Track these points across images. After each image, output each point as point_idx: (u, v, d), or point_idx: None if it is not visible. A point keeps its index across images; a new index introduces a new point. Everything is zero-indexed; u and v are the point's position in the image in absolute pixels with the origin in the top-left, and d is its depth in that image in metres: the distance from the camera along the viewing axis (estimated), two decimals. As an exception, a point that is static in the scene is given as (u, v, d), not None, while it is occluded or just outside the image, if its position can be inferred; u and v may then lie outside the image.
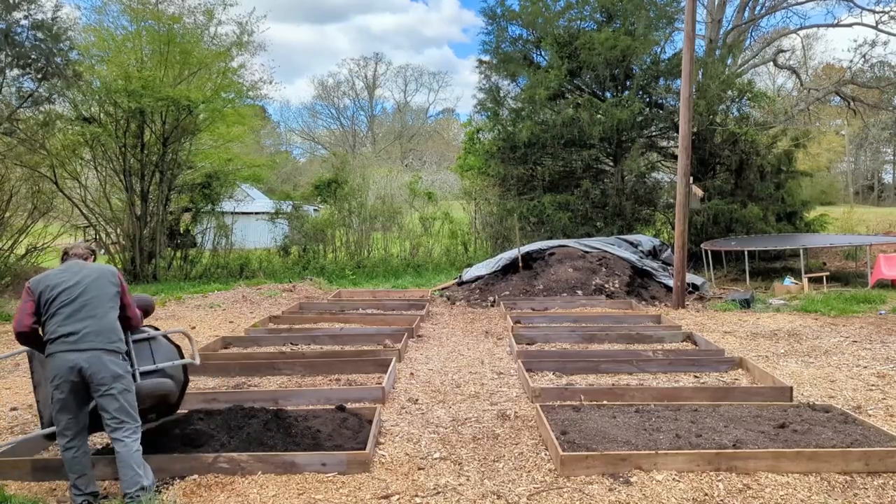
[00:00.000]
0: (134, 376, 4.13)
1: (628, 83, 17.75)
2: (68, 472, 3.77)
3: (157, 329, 4.70)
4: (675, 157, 16.64)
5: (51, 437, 4.11)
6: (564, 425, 4.83)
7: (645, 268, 13.27)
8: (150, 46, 16.21)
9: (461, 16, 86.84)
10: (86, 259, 4.10)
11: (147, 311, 4.64)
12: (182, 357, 4.63)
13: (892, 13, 21.33)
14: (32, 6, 12.74)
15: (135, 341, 4.31)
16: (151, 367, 4.28)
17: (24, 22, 12.82)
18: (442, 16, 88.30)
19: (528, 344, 8.32)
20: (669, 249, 14.29)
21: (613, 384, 6.36)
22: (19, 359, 7.78)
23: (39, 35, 12.93)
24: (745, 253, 14.43)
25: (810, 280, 13.25)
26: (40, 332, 3.81)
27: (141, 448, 3.73)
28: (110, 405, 3.67)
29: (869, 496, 3.85)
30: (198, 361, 4.72)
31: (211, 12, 16.95)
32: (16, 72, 13.25)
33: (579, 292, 12.16)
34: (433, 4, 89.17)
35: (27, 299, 3.78)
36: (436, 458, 4.49)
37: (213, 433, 4.52)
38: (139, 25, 16.16)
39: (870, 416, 5.33)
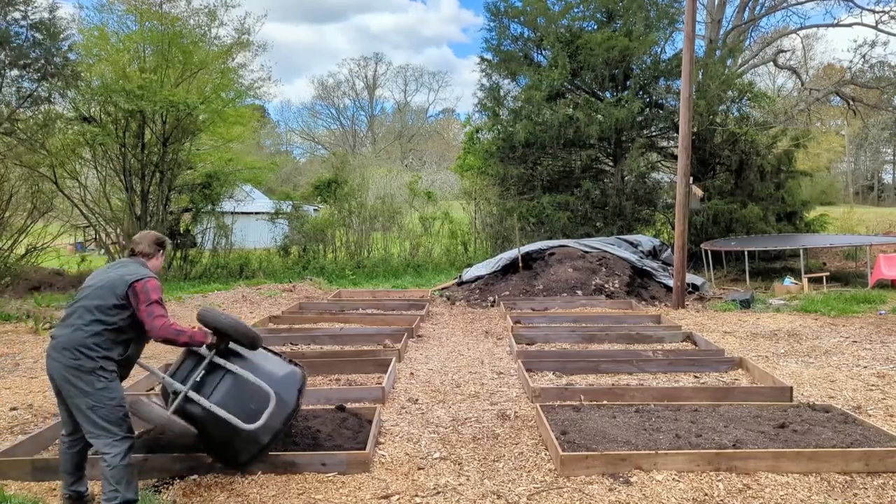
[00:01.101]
0: (176, 393, 3.86)
1: (628, 83, 17.76)
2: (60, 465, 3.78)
3: (295, 365, 4.22)
4: (675, 157, 16.64)
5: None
6: (564, 425, 4.82)
7: (645, 268, 13.26)
8: (152, 47, 16.22)
9: (460, 15, 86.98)
10: (146, 256, 3.86)
11: (244, 339, 3.96)
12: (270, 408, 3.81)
13: (891, 13, 21.36)
14: (30, 7, 12.74)
15: (211, 365, 3.92)
16: (204, 404, 3.78)
17: (22, 22, 12.83)
18: (441, 15, 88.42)
19: (528, 344, 8.32)
20: (669, 249, 14.29)
21: (613, 384, 6.35)
22: (18, 359, 7.79)
23: (38, 35, 12.93)
24: (745, 253, 14.43)
25: (810, 280, 13.24)
26: None
27: (126, 460, 3.50)
28: (81, 420, 3.53)
29: (869, 496, 3.85)
30: (253, 426, 3.75)
31: (214, 13, 16.97)
32: (15, 72, 13.25)
33: (579, 292, 12.16)
34: (432, 4, 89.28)
35: None
36: (436, 458, 4.48)
37: (213, 433, 4.52)
38: (142, 26, 16.17)
39: (870, 416, 5.33)
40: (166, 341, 3.65)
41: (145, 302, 3.58)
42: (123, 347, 3.64)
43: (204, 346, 3.91)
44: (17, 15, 12.67)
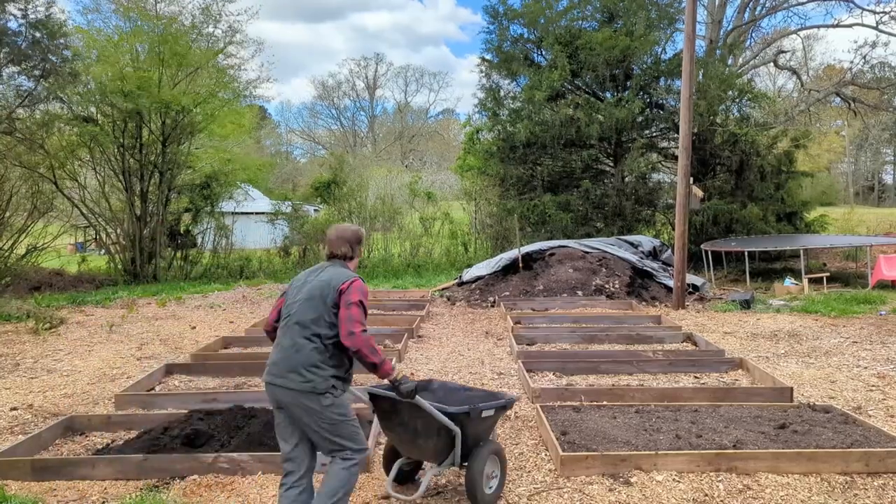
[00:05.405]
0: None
1: (628, 83, 17.75)
2: None
3: None
4: (675, 157, 16.63)
5: None
6: (564, 426, 4.82)
7: (645, 268, 13.26)
8: (146, 47, 16.23)
9: (457, 13, 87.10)
10: (344, 259, 3.37)
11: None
12: None
13: (892, 13, 21.35)
14: (29, 5, 12.74)
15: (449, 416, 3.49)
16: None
17: (21, 20, 12.84)
18: (438, 14, 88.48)
19: (529, 344, 8.31)
20: (669, 250, 14.28)
21: (613, 385, 6.35)
22: (18, 358, 7.79)
23: (37, 33, 12.92)
24: (746, 253, 14.42)
25: (810, 281, 13.24)
26: None
27: (348, 480, 3.18)
28: (318, 443, 3.22)
29: (869, 497, 3.84)
30: None
31: (209, 8, 16.97)
32: (13, 69, 13.25)
33: (579, 293, 12.15)
34: (429, 2, 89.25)
35: (281, 294, 3.44)
36: (436, 459, 4.47)
37: (214, 433, 4.52)
38: (131, 24, 16.18)
39: (870, 416, 5.33)
40: (357, 354, 3.18)
41: (345, 304, 3.15)
42: (351, 361, 3.28)
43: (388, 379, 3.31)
44: (14, 11, 12.67)
